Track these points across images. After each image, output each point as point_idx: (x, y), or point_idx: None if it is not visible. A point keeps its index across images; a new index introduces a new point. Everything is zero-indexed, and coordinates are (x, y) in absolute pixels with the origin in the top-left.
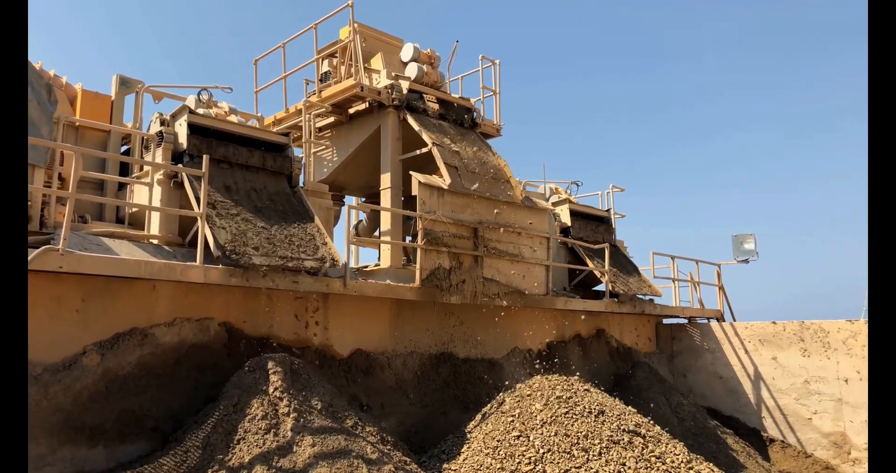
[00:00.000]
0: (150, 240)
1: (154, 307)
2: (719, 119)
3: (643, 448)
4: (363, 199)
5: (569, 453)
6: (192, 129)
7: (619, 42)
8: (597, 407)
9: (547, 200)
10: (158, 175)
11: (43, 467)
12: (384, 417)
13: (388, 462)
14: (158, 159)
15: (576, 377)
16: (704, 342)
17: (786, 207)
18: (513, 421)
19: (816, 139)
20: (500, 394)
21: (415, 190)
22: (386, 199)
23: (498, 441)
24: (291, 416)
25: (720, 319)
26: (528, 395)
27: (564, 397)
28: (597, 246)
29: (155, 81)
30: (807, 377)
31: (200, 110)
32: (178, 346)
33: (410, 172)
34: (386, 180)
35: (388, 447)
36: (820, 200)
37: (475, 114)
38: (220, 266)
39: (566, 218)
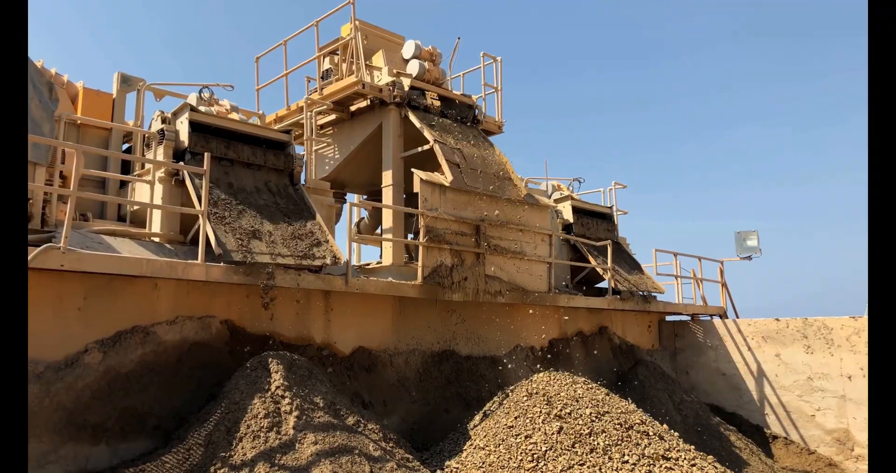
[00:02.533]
0: (152, 238)
1: (156, 305)
2: (723, 114)
3: (646, 446)
4: (365, 196)
5: (571, 450)
6: (194, 126)
7: (620, 38)
8: (599, 404)
9: (549, 197)
10: (160, 173)
11: (46, 465)
12: (386, 414)
13: (390, 459)
14: (160, 157)
15: (578, 375)
16: (707, 338)
17: (789, 203)
18: (515, 419)
19: (821, 134)
20: (503, 391)
21: (416, 187)
22: (388, 196)
23: (500, 438)
24: (293, 414)
25: (723, 316)
26: (531, 392)
27: (567, 394)
28: (599, 243)
29: (157, 79)
30: (810, 373)
31: (202, 108)
32: (180, 344)
33: (412, 170)
34: (387, 177)
35: (391, 444)
36: (824, 196)
37: (477, 111)
38: (222, 264)
39: (568, 215)
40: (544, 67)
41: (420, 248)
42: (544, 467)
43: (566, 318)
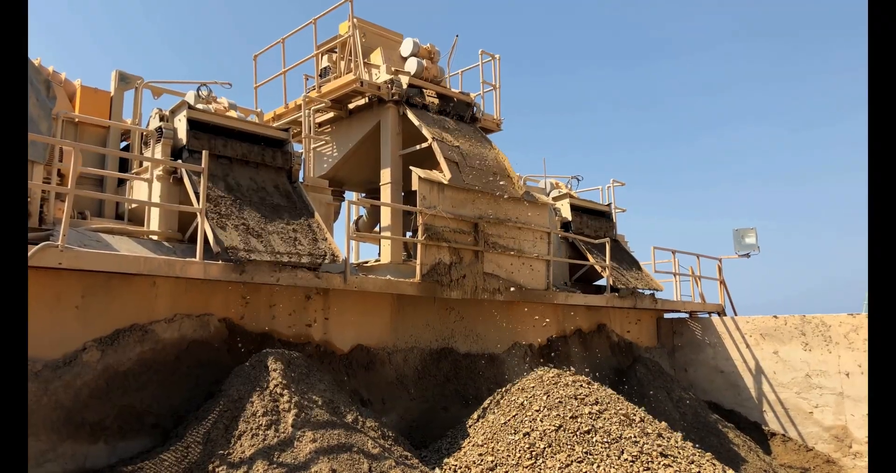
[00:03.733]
0: (150, 236)
1: (154, 303)
2: (722, 114)
3: (645, 443)
4: (363, 194)
5: (570, 447)
6: (192, 124)
7: (620, 37)
8: (598, 402)
9: (547, 194)
10: (158, 171)
11: (44, 463)
12: (385, 412)
13: (388, 456)
14: (158, 155)
15: (576, 372)
16: (705, 336)
17: (788, 201)
18: (514, 416)
19: (820, 134)
20: (501, 389)
21: (415, 185)
22: (386, 194)
23: (499, 435)
24: (292, 411)
25: (721, 313)
26: (529, 390)
27: (565, 392)
28: (597, 241)
29: (155, 77)
30: (808, 370)
31: (200, 106)
32: (179, 342)
33: (410, 168)
34: (386, 175)
35: (389, 442)
36: (823, 195)
37: (475, 109)
38: (220, 262)
39: (567, 213)
40: (543, 65)
41: (419, 246)
42: (543, 464)
43: (565, 316)
